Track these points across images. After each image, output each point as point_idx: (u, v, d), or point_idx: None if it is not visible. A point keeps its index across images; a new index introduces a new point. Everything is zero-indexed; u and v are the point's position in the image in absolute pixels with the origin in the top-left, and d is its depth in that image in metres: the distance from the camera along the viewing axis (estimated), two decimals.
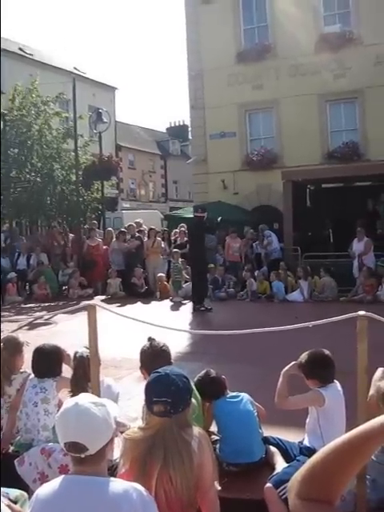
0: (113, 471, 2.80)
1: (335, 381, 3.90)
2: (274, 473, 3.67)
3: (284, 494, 3.24)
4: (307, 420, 3.95)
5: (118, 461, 2.83)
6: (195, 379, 4.24)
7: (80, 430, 2.26)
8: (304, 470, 1.28)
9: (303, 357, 3.91)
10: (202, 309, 12.13)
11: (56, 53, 38.96)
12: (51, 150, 19.42)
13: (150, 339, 4.02)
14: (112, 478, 2.33)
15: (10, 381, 4.65)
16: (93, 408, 2.30)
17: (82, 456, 2.26)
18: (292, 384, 3.95)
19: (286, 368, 3.96)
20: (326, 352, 3.92)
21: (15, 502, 3.06)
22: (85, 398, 2.39)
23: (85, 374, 4.00)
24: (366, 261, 13.87)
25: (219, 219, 13.16)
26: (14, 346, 4.74)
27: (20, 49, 34.36)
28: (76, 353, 4.23)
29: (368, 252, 13.97)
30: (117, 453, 3.01)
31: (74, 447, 2.26)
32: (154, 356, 3.87)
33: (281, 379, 3.92)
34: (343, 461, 1.23)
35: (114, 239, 16.29)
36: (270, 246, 15.87)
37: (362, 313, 3.30)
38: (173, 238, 17.51)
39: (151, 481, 2.56)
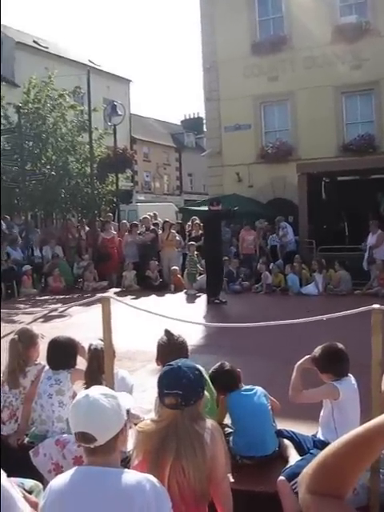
0: (126, 463, 2.82)
1: (349, 374, 3.89)
2: (288, 466, 3.67)
3: (297, 487, 3.24)
4: (321, 413, 3.94)
5: (131, 453, 2.85)
6: (210, 371, 4.25)
7: (89, 421, 2.28)
8: (315, 464, 1.28)
9: (317, 351, 3.90)
10: (217, 301, 12.12)
11: (71, 45, 39.18)
12: (66, 142, 19.49)
13: (167, 332, 4.01)
14: (125, 470, 2.34)
15: (25, 372, 4.69)
16: (102, 399, 2.32)
17: (92, 446, 2.29)
18: (306, 378, 3.94)
19: (300, 362, 3.96)
20: (340, 346, 3.90)
21: (30, 492, 3.09)
22: (96, 390, 2.41)
23: (99, 367, 4.02)
24: (377, 254, 13.78)
25: (236, 208, 13.11)
26: (29, 338, 4.78)
27: (34, 41, 34.44)
28: (90, 345, 4.25)
29: (380, 245, 13.86)
30: (131, 445, 3.03)
31: (83, 437, 2.29)
32: (171, 349, 3.86)
33: (295, 373, 3.91)
34: (354, 455, 1.23)
35: (128, 232, 16.32)
36: (286, 237, 15.83)
37: (376, 306, 3.28)
38: (187, 230, 17.50)
39: (164, 472, 2.57)
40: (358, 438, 1.22)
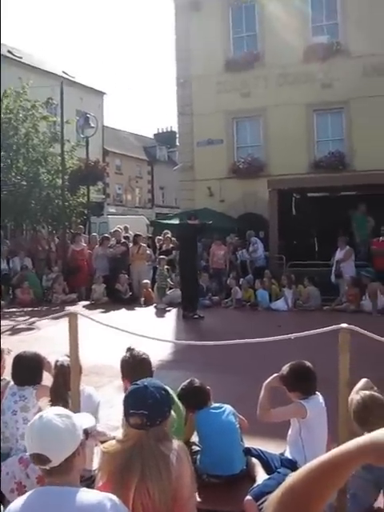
0: (91, 482, 2.77)
1: (317, 393, 3.89)
2: (255, 485, 3.64)
3: (263, 507, 3.22)
4: (289, 432, 3.93)
5: (96, 472, 2.80)
6: (179, 388, 4.22)
7: (42, 442, 2.25)
8: (281, 490, 1.26)
9: (285, 369, 3.90)
10: (196, 317, 12.07)
11: (45, 56, 38.98)
12: (38, 153, 19.34)
13: (129, 349, 3.99)
14: (85, 489, 2.31)
15: None
16: (55, 419, 2.29)
17: (48, 468, 2.25)
18: (275, 396, 3.93)
19: (268, 380, 3.95)
20: (308, 364, 3.91)
21: None
22: (50, 411, 2.40)
23: (65, 383, 3.95)
24: (344, 269, 13.93)
25: (210, 222, 13.15)
26: None
27: (9, 51, 34.23)
28: (57, 361, 4.17)
29: (346, 260, 14.02)
30: (96, 464, 2.98)
31: (38, 459, 2.26)
32: (134, 365, 3.85)
33: (263, 392, 3.90)
34: (321, 482, 1.21)
35: (98, 245, 16.24)
36: (256, 252, 15.89)
37: (344, 325, 3.29)
38: (158, 244, 17.47)
39: (129, 494, 2.53)
40: (325, 464, 1.21)
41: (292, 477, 1.25)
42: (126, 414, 2.71)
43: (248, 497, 3.49)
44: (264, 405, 3.85)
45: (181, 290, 12.91)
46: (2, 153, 17.89)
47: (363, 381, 3.73)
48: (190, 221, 12.58)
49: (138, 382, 2.80)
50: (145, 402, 2.65)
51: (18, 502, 2.26)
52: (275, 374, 3.95)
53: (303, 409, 3.73)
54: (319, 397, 3.89)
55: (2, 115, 18.62)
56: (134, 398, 2.70)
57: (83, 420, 2.48)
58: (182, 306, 12.57)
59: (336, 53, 20.17)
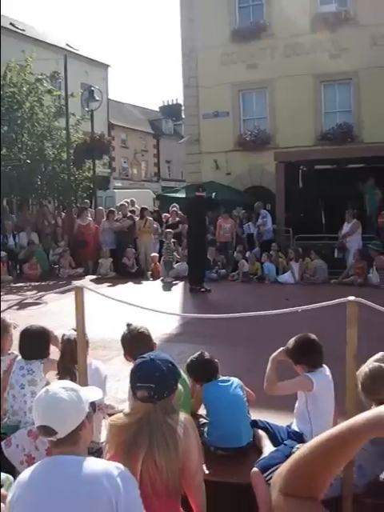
0: (99, 455, 2.79)
1: (324, 365, 3.89)
2: (261, 457, 3.66)
3: (271, 478, 3.23)
4: (296, 404, 3.94)
5: (104, 445, 2.82)
6: (188, 360, 4.23)
7: (48, 414, 2.30)
8: (288, 466, 1.25)
9: (290, 342, 3.89)
10: (203, 290, 12.08)
11: (48, 29, 38.55)
12: (42, 128, 19.20)
13: (127, 325, 4.00)
14: (92, 457, 2.35)
15: None
16: (61, 393, 2.34)
17: (54, 439, 2.30)
18: (281, 369, 3.93)
19: (274, 354, 3.95)
20: (313, 337, 3.90)
21: (0, 486, 3.04)
22: (56, 384, 2.46)
23: (72, 357, 3.97)
24: (350, 243, 13.87)
25: (214, 195, 13.04)
26: (1, 328, 4.67)
27: (11, 24, 33.85)
28: (63, 335, 4.19)
29: (352, 234, 13.96)
30: (104, 436, 3.00)
31: (44, 431, 2.31)
32: (133, 341, 3.88)
33: (269, 365, 3.90)
34: (328, 457, 1.20)
35: (104, 219, 16.21)
36: (264, 225, 15.82)
37: (351, 298, 3.27)
38: (165, 218, 17.43)
39: (136, 466, 2.55)
40: (332, 440, 1.20)
41: (300, 450, 1.24)
42: (133, 388, 2.72)
43: (255, 468, 3.51)
44: (271, 378, 3.85)
45: (188, 263, 12.87)
46: (6, 127, 17.80)
47: (380, 354, 3.71)
48: (197, 192, 12.46)
49: (144, 356, 2.81)
50: (152, 375, 2.66)
51: (26, 473, 2.31)
52: (281, 348, 3.94)
53: (309, 381, 3.74)
54: (326, 369, 3.89)
55: (6, 89, 18.46)
56: (141, 372, 2.71)
57: (90, 393, 2.50)
58: (188, 280, 12.55)
59: (344, 22, 19.84)
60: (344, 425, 1.19)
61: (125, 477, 2.24)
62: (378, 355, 3.64)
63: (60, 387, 2.38)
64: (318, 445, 1.21)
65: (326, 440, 1.20)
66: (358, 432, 1.17)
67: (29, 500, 2.19)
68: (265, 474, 3.41)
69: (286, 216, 15.95)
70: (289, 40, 20.43)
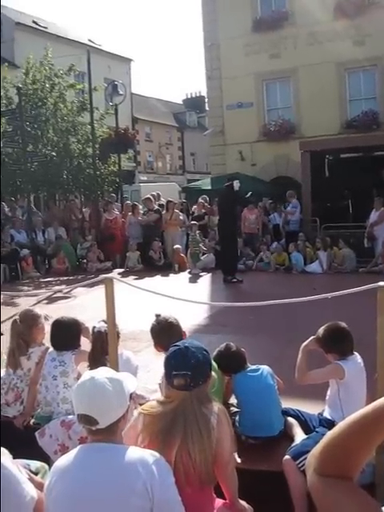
0: None
1: (355, 353, 3.87)
2: (293, 445, 3.66)
3: (303, 465, 3.24)
4: (328, 392, 3.93)
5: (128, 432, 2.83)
6: (215, 352, 4.22)
7: (92, 404, 2.30)
8: (321, 446, 1.26)
9: (320, 331, 3.88)
10: (234, 280, 12.08)
11: (70, 25, 38.80)
12: (67, 123, 19.34)
13: (156, 315, 4.02)
14: (128, 445, 2.36)
15: (28, 354, 4.66)
16: (107, 383, 2.33)
17: (93, 429, 2.32)
18: (312, 357, 3.93)
19: (305, 343, 3.94)
20: (343, 324, 3.89)
21: (36, 474, 3.10)
22: (102, 373, 2.42)
23: (103, 349, 4.01)
24: (378, 231, 13.72)
25: (249, 194, 13.03)
26: (31, 319, 4.72)
27: (34, 22, 34.12)
28: (94, 327, 4.23)
29: (381, 222, 13.80)
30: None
31: (85, 419, 2.32)
32: (162, 331, 3.90)
33: (300, 355, 3.89)
34: (361, 436, 1.20)
35: (131, 213, 16.28)
36: (292, 215, 15.73)
37: (382, 283, 3.25)
38: (191, 209, 17.45)
39: (171, 455, 2.56)
40: (365, 419, 1.20)
41: (334, 430, 1.25)
42: (168, 376, 2.72)
43: (286, 456, 3.52)
44: (302, 367, 3.85)
45: (220, 254, 12.88)
46: (30, 124, 17.95)
47: None
48: (227, 184, 12.39)
49: (178, 344, 2.81)
50: (187, 362, 2.67)
51: (63, 459, 2.35)
52: (312, 337, 3.94)
53: (341, 369, 3.72)
54: (357, 357, 3.86)
55: (29, 86, 18.60)
56: (176, 359, 2.72)
57: (129, 383, 2.50)
58: (222, 271, 12.51)
59: (367, 7, 19.57)
60: (377, 403, 1.19)
61: (160, 464, 2.27)
62: None
63: (105, 377, 2.37)
64: (352, 423, 1.22)
65: (360, 418, 1.21)
66: None
67: (65, 486, 2.23)
68: (297, 462, 3.41)
69: (313, 206, 15.83)
70: (311, 28, 20.23)
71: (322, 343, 3.87)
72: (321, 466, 1.24)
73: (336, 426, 1.26)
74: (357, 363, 3.83)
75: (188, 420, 2.62)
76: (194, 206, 17.37)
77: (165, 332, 3.88)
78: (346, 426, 1.23)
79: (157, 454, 2.30)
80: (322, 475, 1.23)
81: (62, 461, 2.33)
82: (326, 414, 3.90)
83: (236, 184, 12.13)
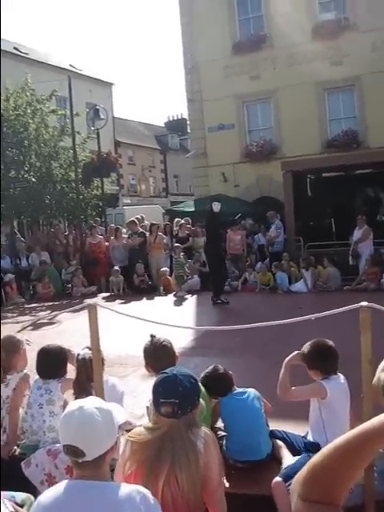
0: (111, 472, 2.78)
1: (339, 373, 3.86)
2: (284, 467, 3.63)
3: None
4: (310, 413, 3.91)
5: (118, 461, 2.80)
6: (202, 375, 4.20)
7: (80, 436, 2.23)
8: (306, 472, 1.26)
9: (306, 347, 3.86)
10: (219, 302, 12.07)
11: (51, 50, 38.96)
12: (49, 148, 19.39)
13: (151, 336, 4.00)
14: (114, 482, 2.32)
15: (7, 381, 4.54)
16: (96, 414, 2.27)
17: (79, 461, 2.25)
18: (296, 374, 3.91)
19: (289, 358, 3.92)
20: (330, 343, 3.87)
21: (21, 506, 3.03)
22: (91, 403, 2.36)
23: (88, 376, 3.97)
24: (362, 248, 13.83)
25: (239, 216, 13.08)
26: (12, 345, 4.62)
27: (15, 48, 34.25)
28: (78, 355, 4.20)
29: (365, 240, 13.92)
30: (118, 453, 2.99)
31: (71, 451, 2.25)
32: (156, 352, 3.86)
33: (283, 370, 3.87)
34: (345, 462, 1.20)
35: (114, 236, 16.27)
36: (278, 236, 15.79)
37: (364, 304, 3.26)
38: (175, 231, 17.47)
39: (158, 483, 2.54)
40: (348, 444, 1.20)
41: (317, 455, 1.24)
42: (157, 403, 2.71)
43: (277, 478, 3.49)
44: (284, 383, 3.83)
45: (207, 276, 12.92)
46: (13, 150, 17.94)
47: None
48: (208, 206, 12.43)
49: (166, 371, 2.81)
50: (175, 390, 2.66)
51: (48, 494, 2.27)
52: (296, 352, 3.92)
53: (323, 389, 3.70)
54: (340, 377, 3.85)
55: (10, 112, 18.63)
56: (165, 387, 2.71)
57: (118, 414, 2.44)
58: (213, 291, 12.48)
59: (344, 29, 19.96)
60: (361, 428, 1.19)
61: (147, 502, 2.21)
62: None
63: (95, 407, 2.31)
64: (336, 449, 1.21)
65: (344, 443, 1.20)
66: (375, 436, 1.17)
67: None
68: (287, 484, 3.39)
69: (296, 225, 15.93)
70: (290, 49, 20.53)
71: (307, 359, 3.83)
72: (305, 492, 1.24)
73: (320, 452, 1.25)
74: (340, 383, 3.80)
75: (176, 447, 2.60)
76: (176, 228, 17.36)
77: (158, 355, 3.85)
78: (329, 451, 1.22)
79: (144, 491, 2.25)
80: (306, 501, 1.23)
81: (46, 497, 2.25)
82: (310, 437, 3.87)
83: (215, 206, 12.16)
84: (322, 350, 3.84)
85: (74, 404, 2.39)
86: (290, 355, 3.94)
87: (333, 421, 3.66)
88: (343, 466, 1.21)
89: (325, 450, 1.24)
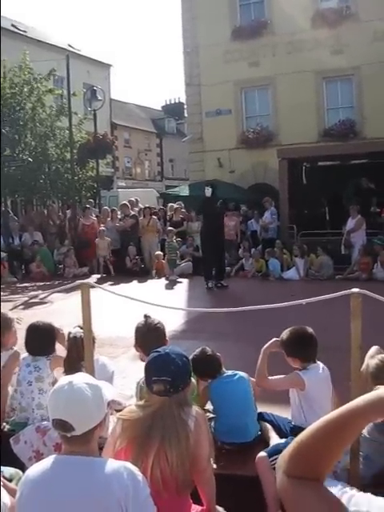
0: (99, 450, 2.81)
1: (317, 361, 3.81)
2: (270, 446, 3.66)
3: (275, 463, 3.22)
4: (291, 402, 3.89)
5: (108, 439, 2.82)
6: (190, 357, 4.20)
7: (69, 410, 2.25)
8: (291, 448, 1.28)
9: (284, 334, 3.80)
10: (209, 287, 12.09)
11: (50, 29, 38.62)
12: (45, 128, 19.26)
13: (145, 316, 4.00)
14: (102, 458, 2.33)
15: None
16: (86, 390, 2.29)
17: (68, 435, 2.26)
18: (276, 361, 3.89)
19: (267, 345, 3.87)
20: (309, 330, 3.80)
21: (10, 480, 3.06)
22: (80, 378, 2.38)
23: (78, 355, 3.97)
24: (355, 238, 13.88)
25: (219, 202, 12.92)
26: (3, 323, 4.58)
27: (13, 25, 33.87)
28: (70, 333, 4.20)
29: (357, 229, 13.97)
30: (108, 432, 3.00)
31: (61, 425, 2.26)
32: (148, 333, 3.86)
33: (260, 357, 3.84)
34: (329, 439, 1.22)
35: (109, 218, 16.25)
36: (272, 223, 15.81)
37: (355, 290, 3.28)
38: (168, 215, 17.45)
39: (148, 461, 2.56)
40: (333, 422, 1.22)
41: (303, 433, 1.27)
42: (149, 381, 2.73)
43: (262, 453, 3.50)
44: (261, 371, 3.81)
45: (200, 260, 12.81)
46: (8, 128, 17.82)
47: (374, 348, 3.71)
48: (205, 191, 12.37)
49: (159, 350, 2.83)
50: (168, 368, 2.68)
51: (35, 469, 2.28)
52: (274, 339, 3.87)
53: (301, 380, 3.66)
54: (319, 366, 3.80)
55: (7, 90, 18.47)
56: (157, 365, 2.73)
57: (107, 391, 2.46)
58: (205, 276, 12.46)
59: (345, 18, 19.88)
60: (345, 407, 1.22)
61: (134, 478, 2.22)
62: (373, 349, 3.65)
63: (84, 383, 2.33)
64: (320, 427, 1.24)
65: (328, 422, 1.23)
66: (358, 414, 1.20)
67: (37, 502, 2.18)
68: (271, 459, 3.40)
69: (290, 213, 15.95)
70: (290, 37, 20.44)
71: (285, 346, 3.77)
72: (290, 468, 1.26)
73: (306, 429, 1.27)
74: (318, 373, 3.75)
75: (166, 425, 2.62)
76: (170, 212, 17.33)
77: (149, 335, 3.84)
78: (313, 429, 1.25)
79: (131, 467, 2.26)
80: (290, 477, 1.25)
81: (34, 471, 2.27)
82: (294, 424, 3.88)
83: (207, 190, 12.15)
84: (301, 337, 3.76)
85: (63, 379, 2.40)
86: (268, 342, 3.89)
87: (313, 410, 3.61)
88: (327, 445, 1.23)
89: (310, 428, 1.26)
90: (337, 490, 2.31)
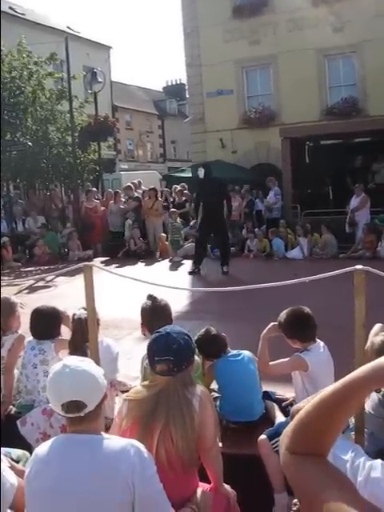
0: (106, 430, 2.83)
1: (317, 340, 3.82)
2: (272, 427, 3.68)
3: (277, 446, 3.25)
4: (294, 383, 3.90)
5: (115, 419, 2.84)
6: (195, 337, 4.21)
7: (77, 388, 2.27)
8: (293, 425, 1.28)
9: (282, 316, 3.79)
10: (195, 270, 11.91)
11: (48, 12, 38.26)
12: (46, 111, 19.15)
13: (150, 297, 3.99)
14: (109, 436, 2.34)
15: (2, 342, 4.55)
16: (83, 365, 2.33)
17: (82, 414, 2.27)
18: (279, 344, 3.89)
19: (265, 331, 3.86)
20: (306, 310, 3.80)
21: (17, 462, 3.10)
22: (71, 360, 2.42)
23: (83, 336, 3.97)
24: (359, 217, 13.84)
25: (219, 184, 12.64)
26: (7, 307, 4.63)
27: (10, 8, 33.57)
28: (74, 315, 4.21)
29: (362, 208, 13.92)
30: (115, 412, 3.02)
31: (74, 406, 2.26)
32: (153, 313, 3.86)
33: (260, 343, 3.83)
34: (331, 413, 1.22)
35: (112, 201, 16.23)
36: (276, 203, 15.77)
37: (359, 267, 3.26)
38: (171, 197, 17.42)
39: (153, 441, 2.58)
40: (334, 395, 1.22)
41: (304, 409, 1.27)
42: (152, 362, 2.75)
43: (262, 436, 3.53)
44: (263, 357, 3.80)
45: (199, 243, 12.49)
46: (8, 113, 17.73)
47: (378, 325, 3.71)
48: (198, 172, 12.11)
49: (160, 330, 2.83)
50: (170, 347, 2.69)
51: (43, 448, 2.31)
52: (272, 323, 3.86)
53: (304, 362, 3.66)
54: (320, 345, 3.81)
55: (6, 74, 18.33)
56: (159, 345, 2.74)
57: (109, 370, 2.52)
58: (194, 260, 12.22)
59: None
60: (345, 379, 1.21)
61: (141, 456, 2.24)
62: (377, 327, 3.64)
63: (78, 361, 2.38)
64: (321, 401, 1.24)
65: (329, 396, 1.23)
66: (359, 384, 1.19)
67: (45, 480, 2.21)
68: (272, 442, 3.42)
69: (294, 192, 15.90)
70: (291, 14, 20.22)
71: (284, 328, 3.77)
72: (292, 444, 1.26)
73: (307, 405, 1.27)
74: (319, 352, 3.76)
75: (171, 404, 2.64)
76: (173, 194, 17.30)
77: (155, 315, 3.84)
78: (315, 404, 1.25)
79: (138, 444, 2.28)
80: (293, 453, 1.25)
81: (42, 450, 2.30)
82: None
83: (199, 172, 12.01)
84: (298, 318, 3.76)
85: (56, 366, 2.41)
86: (266, 328, 3.87)
87: (317, 390, 3.63)
88: (329, 418, 1.23)
89: (311, 403, 1.26)
90: (349, 456, 2.33)
